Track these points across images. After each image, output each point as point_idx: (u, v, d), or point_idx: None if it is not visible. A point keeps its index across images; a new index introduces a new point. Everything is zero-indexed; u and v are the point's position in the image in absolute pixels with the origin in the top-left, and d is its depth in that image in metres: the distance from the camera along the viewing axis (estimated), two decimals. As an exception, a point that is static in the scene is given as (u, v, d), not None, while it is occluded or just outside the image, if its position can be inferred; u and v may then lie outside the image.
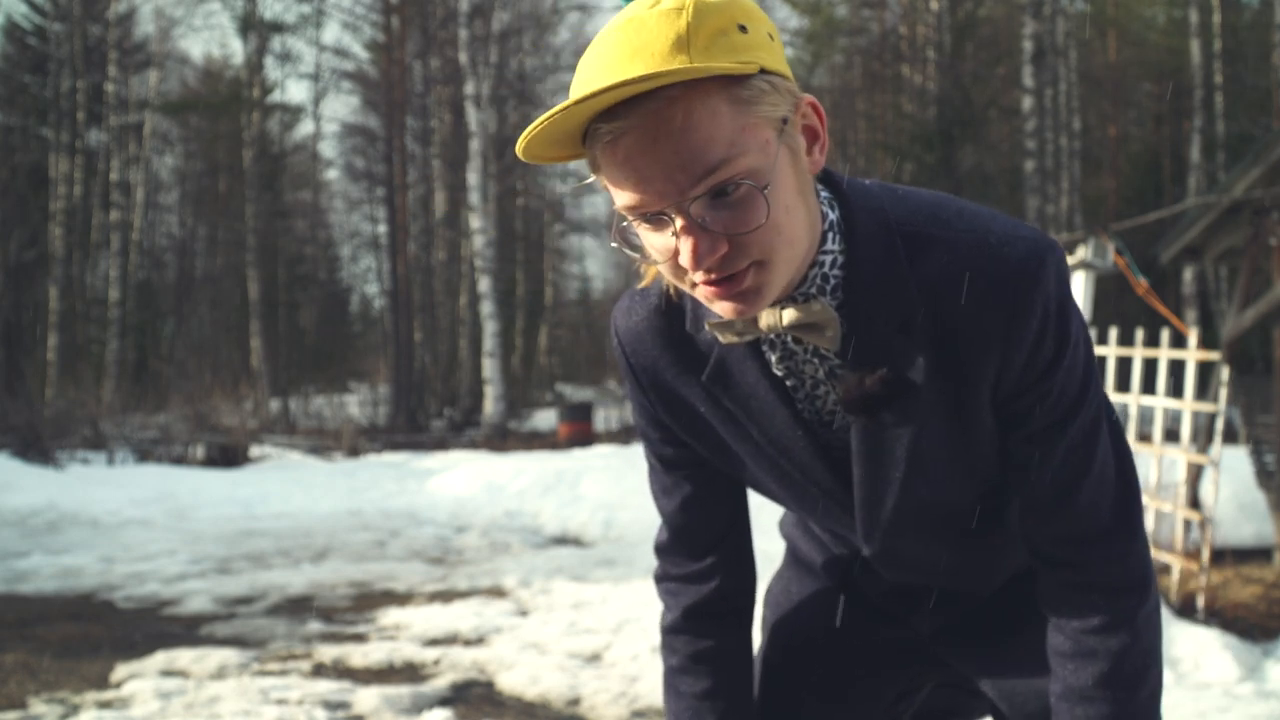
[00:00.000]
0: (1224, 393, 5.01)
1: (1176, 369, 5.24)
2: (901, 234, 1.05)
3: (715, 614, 1.31)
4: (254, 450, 14.19)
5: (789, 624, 1.43)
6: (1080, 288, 5.40)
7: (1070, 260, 5.43)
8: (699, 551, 1.30)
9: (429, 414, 22.15)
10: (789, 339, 1.10)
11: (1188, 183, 20.30)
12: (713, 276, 0.98)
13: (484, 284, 17.71)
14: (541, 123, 0.92)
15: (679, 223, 0.95)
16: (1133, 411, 5.17)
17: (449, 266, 24.53)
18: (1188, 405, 4.99)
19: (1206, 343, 5.51)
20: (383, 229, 27.59)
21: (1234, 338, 5.74)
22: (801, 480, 1.19)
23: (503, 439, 16.87)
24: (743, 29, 0.95)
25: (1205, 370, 5.81)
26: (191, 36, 64.69)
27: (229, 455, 13.17)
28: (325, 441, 16.04)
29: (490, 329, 17.50)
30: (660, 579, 1.35)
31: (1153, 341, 5.43)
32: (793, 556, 1.49)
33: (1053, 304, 1.04)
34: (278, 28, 26.05)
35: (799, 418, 1.14)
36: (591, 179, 1.04)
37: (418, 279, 24.17)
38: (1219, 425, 4.87)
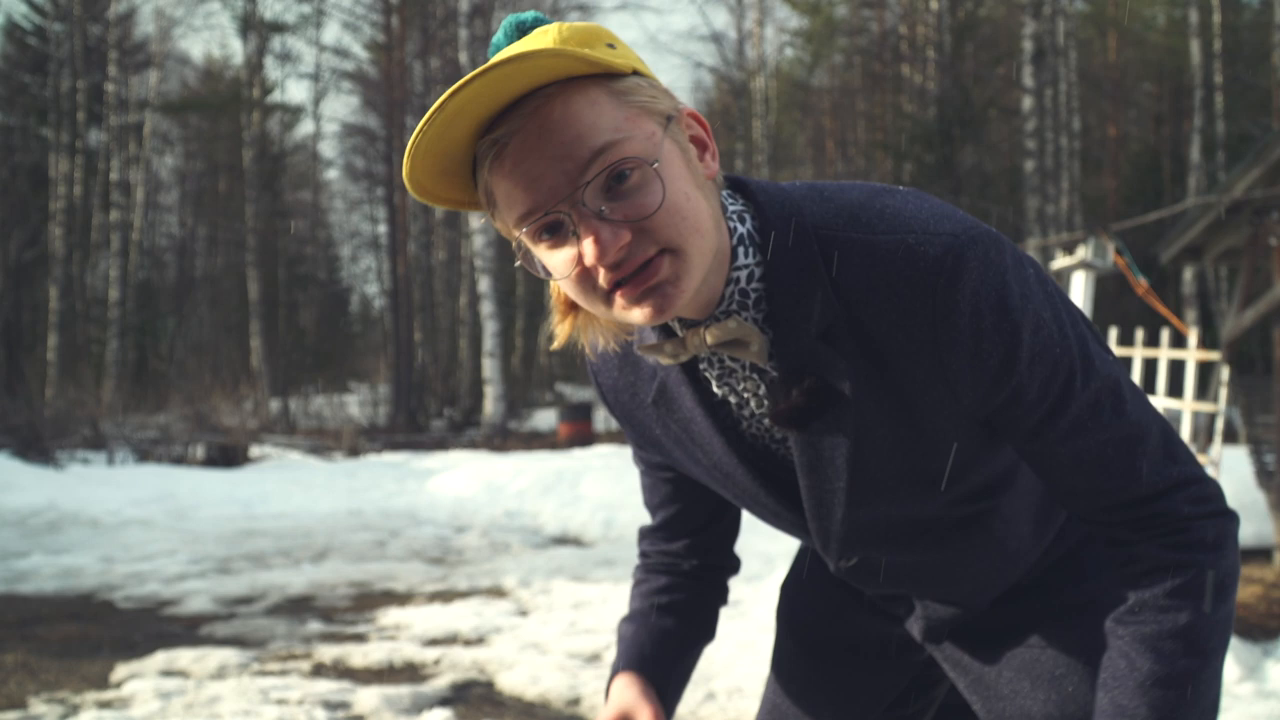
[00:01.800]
0: (1224, 393, 5.01)
1: (1176, 369, 5.24)
2: (819, 239, 1.01)
3: (682, 576, 1.39)
4: (254, 450, 14.20)
5: (798, 613, 1.46)
6: (1080, 288, 5.40)
7: (1070, 260, 5.43)
8: (675, 537, 1.39)
9: (429, 414, 22.15)
10: (725, 357, 1.08)
11: (1188, 183, 20.30)
12: (623, 274, 0.94)
13: (484, 284, 17.71)
14: (423, 126, 0.90)
15: (576, 219, 0.93)
16: (1133, 411, 5.17)
17: (449, 266, 24.53)
18: (1188, 405, 4.99)
19: (1206, 343, 5.51)
20: (383, 229, 27.65)
21: (1234, 338, 5.74)
22: (750, 502, 1.19)
23: (503, 439, 16.87)
24: (611, 46, 0.97)
25: (1205, 370, 5.81)
26: (191, 36, 64.88)
27: (229, 455, 13.17)
28: (325, 441, 16.04)
29: (490, 329, 17.50)
30: (640, 554, 1.44)
31: (1153, 341, 5.43)
32: (804, 547, 1.49)
33: (985, 300, 0.96)
34: (278, 28, 26.10)
35: (736, 444, 1.13)
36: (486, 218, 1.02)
37: (418, 279, 24.17)
38: (1219, 425, 4.87)
